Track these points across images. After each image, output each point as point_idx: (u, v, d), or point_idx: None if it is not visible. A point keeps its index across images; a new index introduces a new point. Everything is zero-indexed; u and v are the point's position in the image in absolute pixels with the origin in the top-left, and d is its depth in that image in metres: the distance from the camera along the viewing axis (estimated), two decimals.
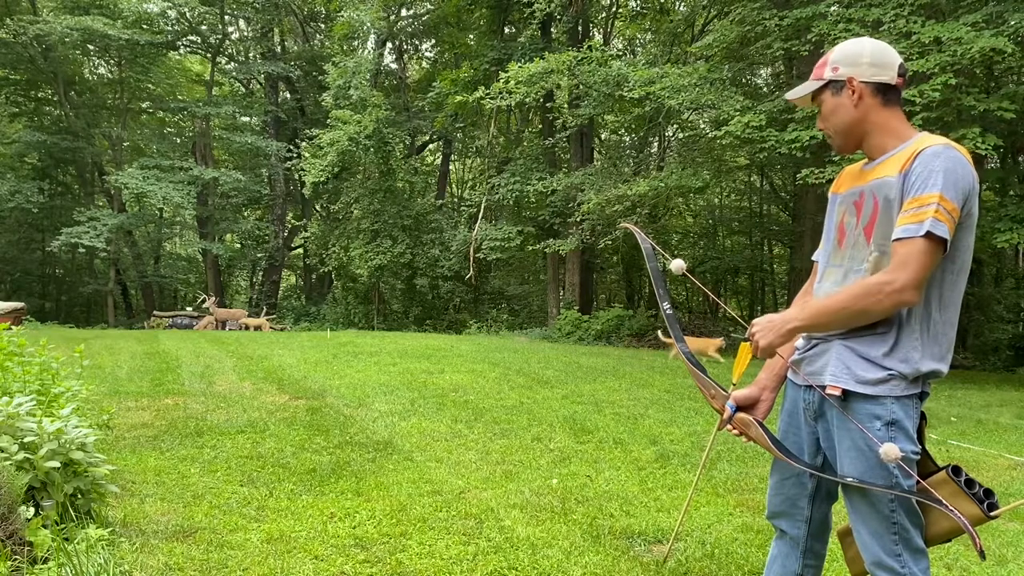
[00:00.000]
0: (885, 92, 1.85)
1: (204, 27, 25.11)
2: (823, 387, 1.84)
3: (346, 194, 21.14)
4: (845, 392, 1.79)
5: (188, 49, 26.95)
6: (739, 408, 2.02)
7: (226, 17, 25.56)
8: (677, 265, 2.15)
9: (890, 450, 1.67)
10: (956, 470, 1.79)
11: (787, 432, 2.03)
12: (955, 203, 1.69)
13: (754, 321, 1.86)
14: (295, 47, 27.26)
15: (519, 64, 14.69)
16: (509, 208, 20.91)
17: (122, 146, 24.96)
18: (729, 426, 2.02)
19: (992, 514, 1.73)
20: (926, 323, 1.77)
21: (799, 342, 1.99)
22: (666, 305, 2.28)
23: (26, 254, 27.02)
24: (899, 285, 1.68)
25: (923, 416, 1.82)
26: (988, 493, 1.75)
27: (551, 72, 14.21)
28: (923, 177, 1.71)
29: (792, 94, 2.00)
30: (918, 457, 1.79)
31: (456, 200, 26.61)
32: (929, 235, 1.67)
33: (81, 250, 22.09)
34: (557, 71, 14.17)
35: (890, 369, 1.75)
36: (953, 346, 1.83)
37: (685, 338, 2.36)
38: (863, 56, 1.85)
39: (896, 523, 1.75)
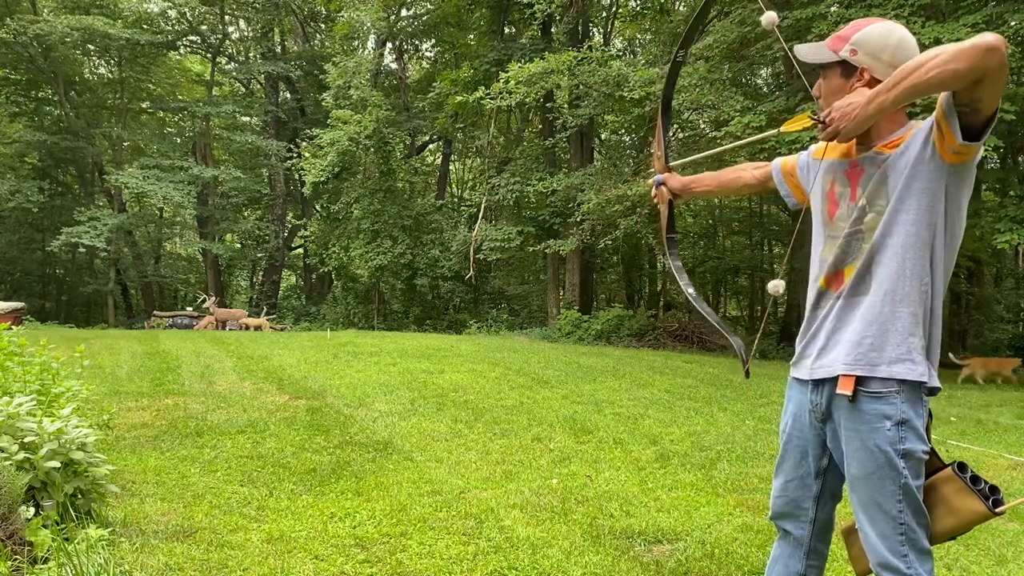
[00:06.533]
0: None
1: (204, 27, 25.13)
2: (834, 383, 1.83)
3: (346, 194, 21.15)
4: (856, 392, 1.78)
5: (188, 49, 26.97)
6: (664, 186, 2.33)
7: (226, 17, 25.59)
8: (768, 18, 1.95)
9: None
10: (961, 466, 1.79)
11: (792, 434, 2.02)
12: None
13: (835, 104, 1.76)
14: (295, 47, 27.27)
15: (519, 64, 14.69)
16: (509, 208, 20.91)
17: (122, 146, 24.97)
18: (654, 191, 2.36)
19: (997, 510, 1.73)
20: (929, 289, 1.77)
21: (802, 335, 1.98)
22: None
23: (26, 254, 27.03)
24: (991, 38, 1.50)
25: (930, 413, 1.82)
26: (993, 489, 1.76)
27: (551, 72, 14.21)
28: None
29: (803, 54, 1.92)
30: (928, 457, 1.79)
31: (456, 200, 26.61)
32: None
33: (81, 250, 22.13)
34: (557, 71, 14.17)
35: (903, 352, 1.75)
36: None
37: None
38: (886, 52, 1.79)
39: (904, 524, 1.75)
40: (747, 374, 2.08)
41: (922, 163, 1.74)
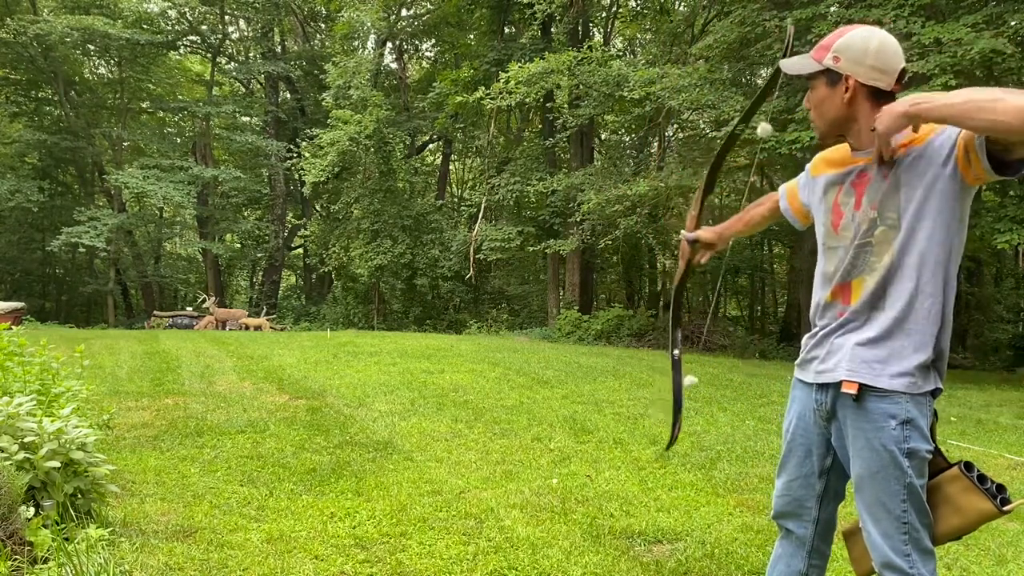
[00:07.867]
0: (878, 95, 1.81)
1: (204, 27, 25.13)
2: (838, 384, 1.83)
3: (346, 194, 21.15)
4: (861, 390, 1.78)
5: (188, 49, 26.97)
6: (697, 242, 2.31)
7: (226, 17, 25.59)
8: (764, 129, 2.19)
9: None
10: (968, 466, 1.79)
11: (796, 433, 2.02)
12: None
13: (884, 108, 1.74)
14: (295, 47, 27.27)
15: (519, 64, 14.70)
16: (509, 208, 20.91)
17: (122, 146, 24.97)
18: (685, 245, 2.32)
19: (1005, 508, 1.73)
20: (941, 307, 1.77)
21: (807, 340, 1.98)
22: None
23: (26, 254, 27.03)
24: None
25: (935, 413, 1.82)
26: (1000, 488, 1.76)
27: (551, 72, 14.22)
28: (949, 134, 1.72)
29: (788, 67, 1.94)
30: (931, 456, 1.79)
31: (456, 200, 26.61)
32: None
33: (81, 250, 22.10)
34: (557, 71, 14.17)
35: (908, 368, 1.75)
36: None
37: None
38: (867, 56, 1.79)
39: (907, 523, 1.75)
40: (667, 447, 2.47)
41: (942, 181, 1.73)
